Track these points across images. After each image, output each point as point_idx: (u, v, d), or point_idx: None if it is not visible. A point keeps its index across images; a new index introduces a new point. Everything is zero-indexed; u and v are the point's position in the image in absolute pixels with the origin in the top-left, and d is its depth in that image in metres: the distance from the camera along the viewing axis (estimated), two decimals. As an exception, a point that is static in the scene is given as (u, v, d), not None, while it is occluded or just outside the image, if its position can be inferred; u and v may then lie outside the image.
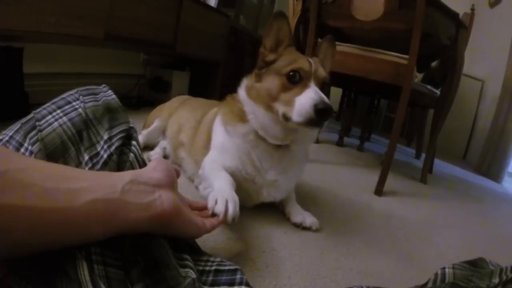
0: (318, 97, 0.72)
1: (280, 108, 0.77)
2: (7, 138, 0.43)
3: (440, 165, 2.55)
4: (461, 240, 1.10)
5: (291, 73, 0.77)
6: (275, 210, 0.93)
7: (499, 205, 1.87)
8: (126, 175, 0.41)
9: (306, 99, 0.72)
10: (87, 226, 0.34)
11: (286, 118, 0.76)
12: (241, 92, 0.87)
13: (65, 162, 0.44)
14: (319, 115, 0.70)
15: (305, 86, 0.76)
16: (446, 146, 3.39)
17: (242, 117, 0.84)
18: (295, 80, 0.77)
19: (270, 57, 0.84)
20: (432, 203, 1.46)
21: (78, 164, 0.45)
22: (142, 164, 0.51)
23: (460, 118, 3.42)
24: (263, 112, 0.81)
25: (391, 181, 1.54)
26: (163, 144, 1.22)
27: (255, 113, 0.82)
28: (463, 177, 2.40)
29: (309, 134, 0.87)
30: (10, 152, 0.37)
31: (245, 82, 0.88)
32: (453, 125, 3.36)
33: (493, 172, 2.69)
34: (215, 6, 2.61)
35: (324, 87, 0.80)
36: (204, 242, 0.66)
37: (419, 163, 2.09)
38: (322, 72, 0.80)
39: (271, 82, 0.80)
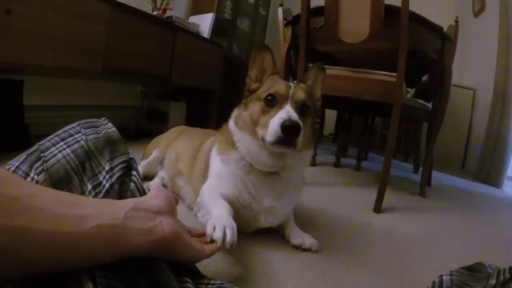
0: (287, 116, 0.75)
1: (260, 131, 0.80)
2: (13, 168, 0.46)
3: (439, 177, 2.56)
4: (464, 249, 1.10)
5: (268, 97, 0.82)
6: (274, 234, 0.94)
7: (500, 210, 1.88)
8: (129, 203, 0.43)
9: (276, 119, 0.76)
10: (92, 249, 0.36)
11: (264, 141, 0.78)
12: (231, 122, 0.91)
13: (70, 191, 0.46)
14: (285, 132, 0.73)
15: (280, 108, 0.79)
16: (444, 157, 3.41)
17: (234, 145, 0.86)
18: (272, 104, 0.81)
19: (254, 86, 0.90)
20: (432, 216, 1.46)
21: (82, 193, 0.47)
22: (142, 192, 0.53)
23: (455, 128, 3.46)
24: (249, 139, 0.84)
25: (390, 198, 1.55)
26: (162, 174, 1.23)
27: (242, 140, 0.85)
28: (462, 187, 2.41)
29: (300, 160, 0.87)
30: (22, 180, 0.40)
31: (234, 113, 0.92)
32: (449, 136, 3.41)
33: (493, 178, 2.71)
34: (208, 37, 2.70)
35: (305, 109, 0.83)
36: (206, 267, 0.67)
37: (418, 177, 2.11)
38: (301, 95, 0.82)
39: (253, 108, 0.85)
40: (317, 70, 0.96)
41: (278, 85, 0.83)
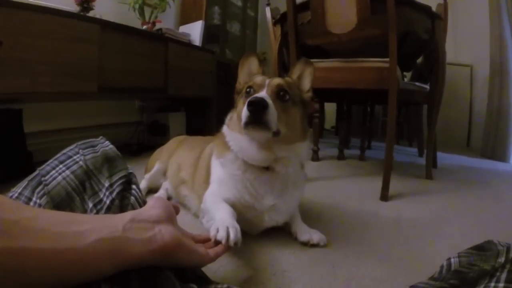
0: (254, 96, 0.77)
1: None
2: (16, 194, 0.48)
3: (445, 158, 2.54)
4: (475, 227, 1.09)
5: (247, 90, 0.85)
6: (281, 233, 0.94)
7: (509, 184, 1.85)
8: (127, 215, 0.44)
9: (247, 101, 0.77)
10: (94, 263, 0.37)
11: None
12: (224, 126, 0.93)
13: (71, 211, 0.48)
14: (250, 109, 0.74)
15: None
16: (448, 137, 3.40)
17: (228, 146, 0.88)
18: (250, 94, 0.84)
19: (241, 87, 0.93)
20: (440, 197, 1.45)
21: (84, 212, 0.49)
22: (143, 205, 0.55)
23: (456, 107, 3.44)
24: (239, 136, 0.85)
25: (396, 184, 1.54)
26: (166, 185, 1.24)
27: (234, 139, 0.87)
28: (469, 165, 2.39)
29: (294, 153, 0.87)
30: (20, 204, 0.42)
31: (228, 117, 0.95)
32: (451, 115, 3.39)
33: (499, 152, 2.69)
34: (200, 45, 2.71)
35: (283, 95, 0.83)
36: (215, 272, 0.68)
37: (423, 161, 2.10)
38: (276, 81, 0.85)
39: (239, 106, 0.87)
40: (303, 64, 0.97)
41: (256, 78, 0.88)
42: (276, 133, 0.79)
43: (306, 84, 0.96)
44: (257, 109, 0.74)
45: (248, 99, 0.75)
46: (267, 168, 0.85)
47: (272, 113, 0.76)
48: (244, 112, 0.76)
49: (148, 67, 2.09)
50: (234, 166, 0.86)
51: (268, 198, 0.85)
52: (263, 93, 0.80)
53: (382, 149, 2.81)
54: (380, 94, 1.55)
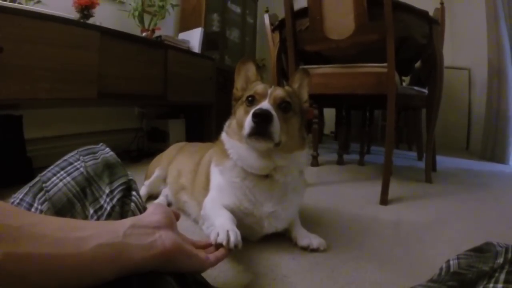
0: (259, 108, 0.77)
1: (244, 131, 0.81)
2: (18, 200, 0.48)
3: (444, 161, 2.54)
4: (475, 230, 1.09)
5: (249, 98, 0.85)
6: (281, 238, 0.94)
7: (509, 186, 1.86)
8: (127, 221, 0.44)
9: (251, 112, 0.77)
10: (95, 268, 0.37)
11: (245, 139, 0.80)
12: (223, 133, 0.93)
13: (73, 217, 0.48)
14: (256, 120, 0.75)
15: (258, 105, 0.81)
16: (447, 141, 3.41)
17: (227, 154, 0.88)
18: (252, 103, 0.84)
19: (239, 93, 0.94)
20: (440, 200, 1.46)
21: (85, 218, 0.49)
22: (143, 211, 0.55)
23: (455, 110, 3.46)
24: (237, 144, 0.86)
25: (396, 188, 1.54)
26: (166, 191, 1.25)
27: (233, 147, 0.87)
28: (469, 168, 2.39)
29: (293, 161, 0.87)
30: (22, 210, 0.42)
31: (226, 124, 0.95)
32: (450, 119, 3.41)
33: (498, 155, 2.70)
34: (199, 51, 2.73)
35: (285, 106, 0.84)
36: (215, 278, 0.68)
37: (422, 164, 2.10)
38: (279, 92, 0.85)
39: (238, 113, 0.88)
40: (302, 74, 0.98)
41: (257, 86, 0.88)
42: (278, 144, 0.80)
43: (304, 94, 0.97)
44: (262, 121, 0.75)
45: (253, 111, 0.76)
46: (266, 176, 0.86)
47: (276, 125, 0.77)
48: (249, 123, 0.77)
49: (148, 74, 2.10)
50: (233, 173, 0.87)
51: (267, 205, 0.85)
52: (266, 104, 0.80)
53: (382, 154, 2.80)
54: (379, 99, 1.56)
